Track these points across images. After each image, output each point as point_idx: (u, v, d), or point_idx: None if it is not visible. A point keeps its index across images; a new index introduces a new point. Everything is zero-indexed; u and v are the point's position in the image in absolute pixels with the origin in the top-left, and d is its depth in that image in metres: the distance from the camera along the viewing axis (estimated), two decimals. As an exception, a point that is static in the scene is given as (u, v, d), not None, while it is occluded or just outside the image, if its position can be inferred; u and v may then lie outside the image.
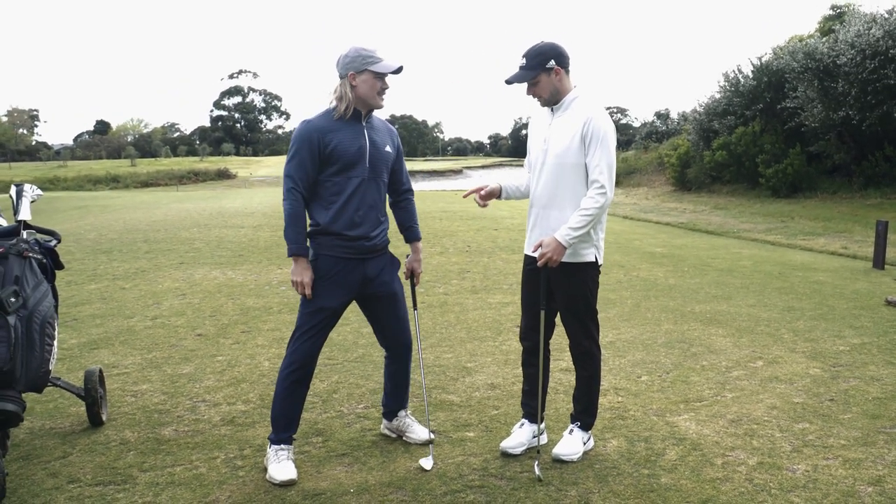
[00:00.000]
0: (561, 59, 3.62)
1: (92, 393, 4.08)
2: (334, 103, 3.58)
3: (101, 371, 4.24)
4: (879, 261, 10.84)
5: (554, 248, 3.53)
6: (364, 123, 3.63)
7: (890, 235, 11.36)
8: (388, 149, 3.71)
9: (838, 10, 30.98)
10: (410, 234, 3.94)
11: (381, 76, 3.55)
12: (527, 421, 3.95)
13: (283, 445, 3.59)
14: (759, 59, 25.95)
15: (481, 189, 3.88)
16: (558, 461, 3.71)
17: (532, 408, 3.92)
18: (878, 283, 9.39)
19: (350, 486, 3.43)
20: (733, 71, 26.87)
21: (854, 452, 3.82)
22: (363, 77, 3.52)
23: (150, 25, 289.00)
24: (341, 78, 3.56)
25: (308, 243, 3.62)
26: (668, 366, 5.42)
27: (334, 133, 3.53)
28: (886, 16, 20.74)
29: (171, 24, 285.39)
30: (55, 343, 3.71)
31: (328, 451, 3.83)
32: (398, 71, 3.58)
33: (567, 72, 3.66)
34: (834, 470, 3.61)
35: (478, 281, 9.13)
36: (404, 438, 3.98)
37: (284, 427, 3.62)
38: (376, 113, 3.73)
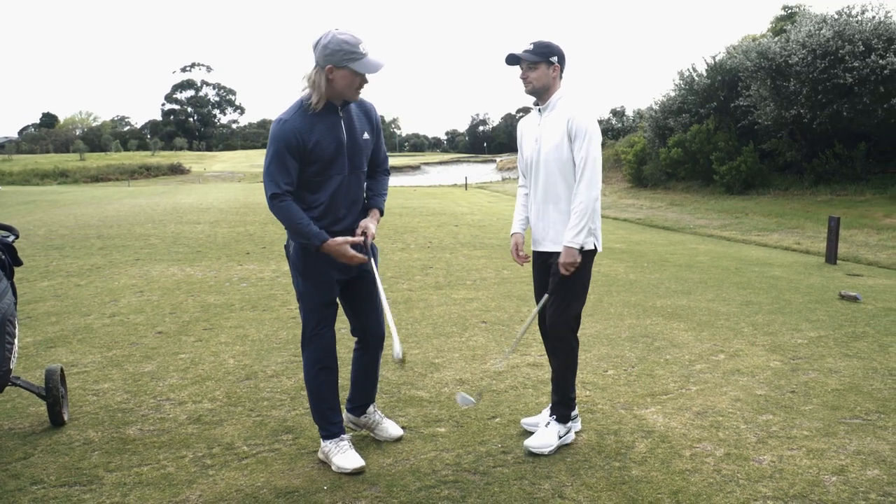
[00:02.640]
0: (562, 60, 3.82)
1: (53, 392, 3.96)
2: (307, 91, 3.35)
3: (61, 370, 4.12)
4: (832, 256, 11.14)
5: (569, 256, 3.71)
6: (341, 114, 3.43)
7: (840, 231, 11.67)
8: (366, 136, 3.54)
9: (790, 11, 31.74)
10: (372, 201, 3.67)
11: (360, 76, 3.33)
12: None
13: (340, 436, 3.61)
14: (713, 57, 26.42)
15: (518, 250, 4.04)
16: (530, 454, 3.73)
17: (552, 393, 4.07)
18: (831, 278, 9.64)
19: (323, 483, 3.39)
20: (688, 69, 27.33)
21: (817, 443, 3.90)
22: (342, 73, 3.28)
23: (99, 15, 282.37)
24: (318, 66, 3.29)
25: (287, 240, 3.61)
26: (633, 360, 5.48)
27: (313, 132, 3.33)
28: (836, 17, 21.30)
29: (121, 13, 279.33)
30: (16, 341, 3.60)
31: (299, 449, 3.78)
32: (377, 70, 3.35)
33: (561, 74, 3.85)
34: (798, 460, 3.69)
35: (441, 277, 9.12)
36: (373, 435, 3.94)
37: (332, 420, 3.64)
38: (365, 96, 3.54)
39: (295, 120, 3.32)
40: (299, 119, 3.33)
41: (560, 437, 3.82)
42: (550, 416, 3.89)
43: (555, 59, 3.76)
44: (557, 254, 3.78)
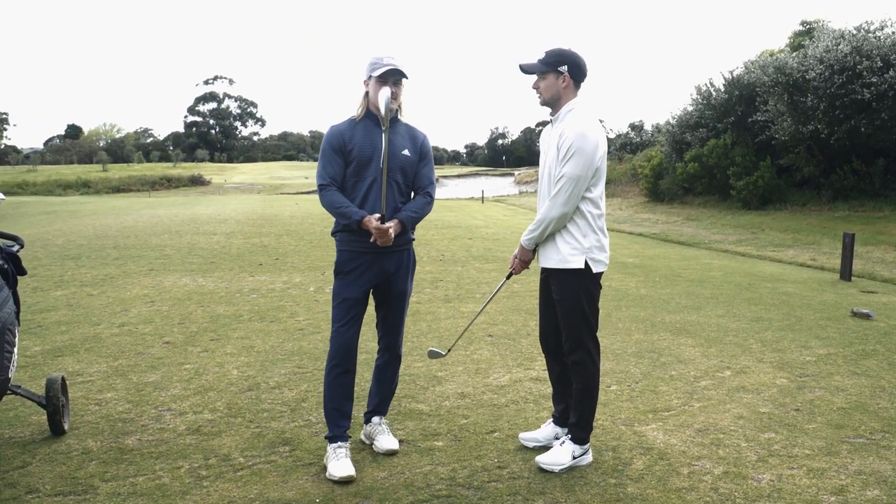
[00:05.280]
0: (575, 69, 3.70)
1: (53, 401, 4.00)
2: (358, 107, 3.84)
3: (63, 379, 4.16)
4: (846, 272, 11.02)
5: (522, 252, 3.86)
6: (384, 127, 3.74)
7: (857, 248, 11.55)
8: (405, 152, 3.82)
9: (808, 26, 31.53)
10: (398, 213, 3.79)
11: (380, 80, 3.70)
12: (552, 421, 4.08)
13: (340, 443, 3.70)
14: (731, 72, 26.29)
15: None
16: (540, 470, 3.70)
17: (555, 410, 4.10)
18: (844, 295, 9.53)
19: (316, 495, 3.39)
20: (705, 84, 27.19)
21: (818, 462, 3.86)
22: (371, 82, 3.75)
23: (125, 29, 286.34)
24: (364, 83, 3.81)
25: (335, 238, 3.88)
26: (638, 375, 5.44)
27: (354, 136, 3.75)
28: (854, 32, 21.16)
29: (146, 28, 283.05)
30: (15, 350, 3.64)
31: (295, 461, 3.79)
32: (391, 74, 3.69)
33: (577, 85, 3.74)
34: (798, 479, 3.64)
35: (451, 290, 9.12)
36: (372, 445, 3.97)
37: (337, 423, 3.76)
38: (408, 120, 3.93)
39: (341, 126, 3.82)
40: (345, 126, 3.81)
41: (575, 458, 3.75)
42: (566, 434, 3.84)
43: (564, 68, 3.65)
44: (555, 271, 3.76)
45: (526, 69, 3.75)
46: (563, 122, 3.70)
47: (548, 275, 3.86)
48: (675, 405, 4.78)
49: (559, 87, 3.69)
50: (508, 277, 4.13)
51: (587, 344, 3.76)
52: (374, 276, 3.82)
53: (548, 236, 3.75)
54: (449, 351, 4.46)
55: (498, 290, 4.30)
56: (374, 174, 3.73)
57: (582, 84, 3.77)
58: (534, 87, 3.77)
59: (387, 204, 3.74)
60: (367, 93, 3.79)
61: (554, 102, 3.74)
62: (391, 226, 3.67)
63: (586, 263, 3.68)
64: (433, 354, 4.29)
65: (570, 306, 3.72)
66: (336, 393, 3.78)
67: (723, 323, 7.41)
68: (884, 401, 4.91)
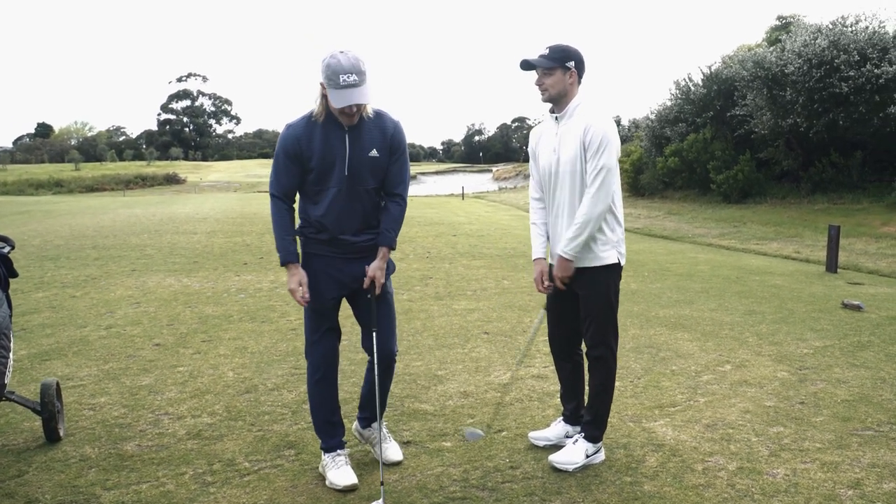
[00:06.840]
0: (580, 65, 3.66)
1: (49, 407, 3.86)
2: (315, 104, 3.37)
3: (57, 384, 4.01)
4: (832, 264, 11.09)
5: (562, 268, 3.65)
6: (346, 128, 3.36)
7: (840, 239, 11.62)
8: (373, 153, 3.40)
9: (784, 21, 31.78)
10: (380, 237, 3.50)
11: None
12: (562, 420, 4.02)
13: (337, 451, 3.54)
14: (709, 67, 26.40)
15: (542, 280, 3.81)
16: (554, 469, 3.64)
17: (565, 409, 4.04)
18: (832, 287, 9.58)
19: (328, 501, 3.30)
20: (684, 79, 27.24)
21: (830, 455, 3.83)
22: (328, 93, 3.26)
23: (95, 25, 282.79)
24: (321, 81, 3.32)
25: (298, 242, 3.54)
26: (639, 371, 5.40)
27: (313, 140, 3.34)
28: (831, 27, 21.32)
29: (117, 23, 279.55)
30: (11, 355, 3.50)
31: (302, 465, 3.69)
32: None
33: (579, 80, 3.69)
34: (813, 473, 3.61)
35: (441, 287, 9.04)
36: (372, 453, 3.79)
37: (330, 433, 3.60)
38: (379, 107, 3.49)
39: (298, 127, 3.37)
40: (302, 127, 3.36)
41: (588, 457, 3.70)
42: (579, 432, 3.79)
43: (571, 63, 3.60)
44: (586, 269, 3.66)
45: (534, 64, 3.65)
46: (573, 117, 3.65)
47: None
48: (681, 400, 4.73)
49: (566, 83, 3.64)
50: (547, 307, 3.89)
51: (610, 339, 3.72)
52: (346, 277, 3.51)
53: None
54: (489, 428, 4.16)
55: (537, 326, 4.09)
56: (338, 184, 3.36)
57: (582, 80, 3.73)
58: (537, 84, 3.69)
59: (362, 219, 3.46)
60: (324, 96, 3.30)
61: (560, 98, 3.67)
62: (379, 278, 3.45)
63: (617, 257, 3.66)
64: (472, 436, 3.99)
65: (599, 302, 3.66)
66: (325, 406, 3.59)
67: (716, 317, 7.40)
68: (886, 392, 4.91)
